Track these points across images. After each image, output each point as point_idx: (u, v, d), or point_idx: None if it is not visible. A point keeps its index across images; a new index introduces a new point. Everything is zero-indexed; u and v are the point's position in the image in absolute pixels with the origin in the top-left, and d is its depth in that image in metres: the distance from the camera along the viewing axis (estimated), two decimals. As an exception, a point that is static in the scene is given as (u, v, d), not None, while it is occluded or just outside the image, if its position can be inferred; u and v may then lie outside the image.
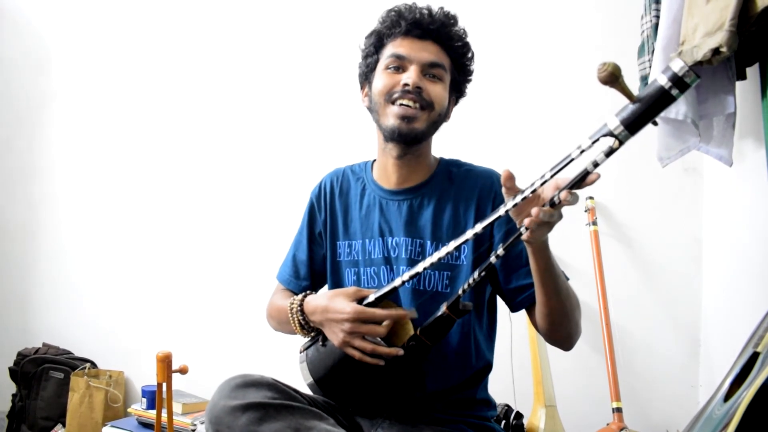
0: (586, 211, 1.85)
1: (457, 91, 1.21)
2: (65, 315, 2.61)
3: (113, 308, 2.53)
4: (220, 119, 2.44)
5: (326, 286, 1.29)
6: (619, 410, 1.61)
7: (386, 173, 1.20)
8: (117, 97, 2.61)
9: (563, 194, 0.81)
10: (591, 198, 1.88)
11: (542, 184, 0.84)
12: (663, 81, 0.73)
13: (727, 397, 0.80)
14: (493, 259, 0.92)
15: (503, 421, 1.56)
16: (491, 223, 0.92)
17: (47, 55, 2.75)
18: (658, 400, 1.82)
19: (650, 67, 1.39)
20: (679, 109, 1.27)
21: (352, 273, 1.20)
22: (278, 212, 2.25)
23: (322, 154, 2.22)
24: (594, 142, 0.80)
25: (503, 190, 0.89)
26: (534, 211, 0.82)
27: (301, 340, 1.18)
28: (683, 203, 1.84)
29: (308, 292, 1.15)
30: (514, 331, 1.78)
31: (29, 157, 2.75)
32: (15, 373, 2.43)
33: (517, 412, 1.59)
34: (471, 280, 0.96)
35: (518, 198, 0.86)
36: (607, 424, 1.60)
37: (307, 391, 1.12)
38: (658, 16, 1.38)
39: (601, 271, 1.75)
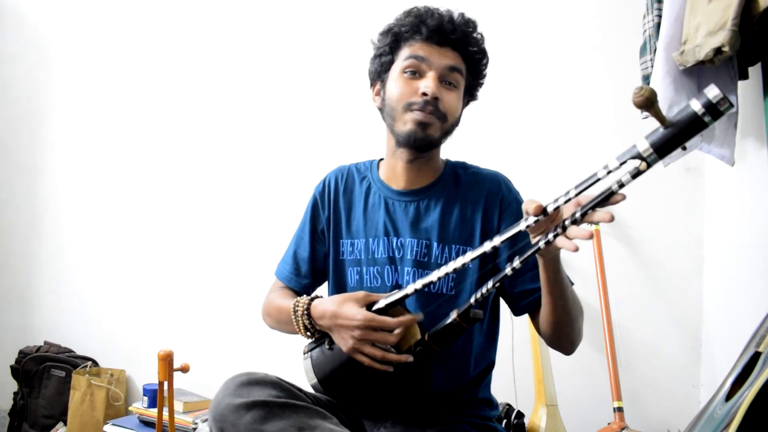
0: (587, 210, 1.85)
1: (469, 95, 1.21)
2: (67, 313, 2.62)
3: (115, 307, 2.54)
4: (220, 118, 2.44)
5: (326, 284, 1.28)
6: (620, 410, 1.61)
7: (394, 174, 1.19)
8: (118, 96, 2.61)
9: (599, 215, 0.79)
10: (592, 197, 1.87)
11: (566, 201, 0.83)
12: (697, 107, 0.72)
13: (729, 396, 0.80)
14: (508, 270, 0.90)
15: (504, 421, 1.56)
16: (503, 232, 0.90)
17: (47, 54, 2.76)
18: (659, 399, 1.82)
19: (652, 66, 1.39)
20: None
21: (355, 272, 1.19)
22: (279, 210, 2.25)
23: (322, 152, 2.22)
24: (622, 164, 0.78)
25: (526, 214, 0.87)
26: (569, 245, 0.81)
27: (302, 339, 1.18)
28: (685, 203, 1.84)
29: (315, 295, 1.13)
30: (515, 330, 1.78)
31: (30, 155, 2.76)
32: (16, 371, 2.44)
33: (519, 412, 1.59)
34: (485, 290, 0.94)
35: (540, 215, 0.85)
36: (609, 424, 1.60)
37: (311, 390, 1.12)
38: (660, 16, 1.38)
39: (603, 270, 1.75)
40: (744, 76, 1.32)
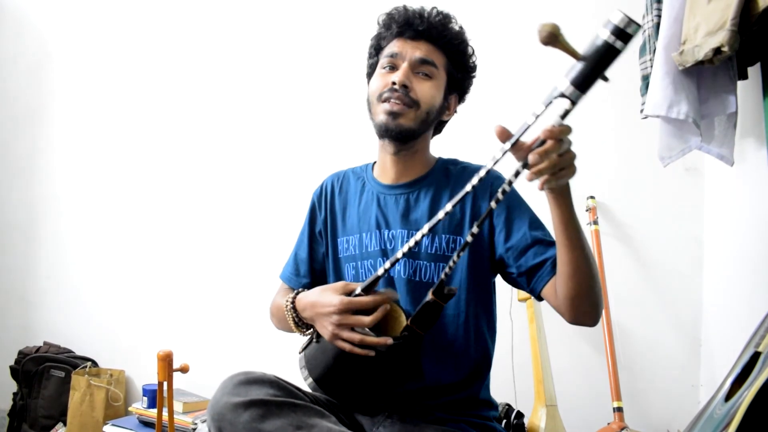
0: (587, 210, 1.85)
1: (459, 88, 1.23)
2: (66, 314, 2.62)
3: (114, 307, 2.54)
4: (220, 120, 2.44)
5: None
6: (619, 410, 1.61)
7: (384, 169, 1.23)
8: (117, 97, 2.61)
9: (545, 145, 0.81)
10: (592, 197, 1.88)
11: (503, 154, 0.85)
12: (605, 35, 0.74)
13: (728, 396, 0.80)
14: (469, 238, 0.94)
15: (504, 421, 1.56)
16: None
17: (47, 55, 2.76)
18: (659, 399, 1.82)
19: (651, 66, 1.39)
20: (680, 108, 1.27)
21: (351, 268, 1.22)
22: (278, 212, 2.26)
23: (324, 155, 2.22)
24: (547, 106, 0.80)
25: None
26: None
27: (300, 339, 1.18)
28: (684, 203, 1.84)
29: (301, 289, 1.17)
30: (514, 330, 1.78)
31: (30, 155, 2.76)
32: (16, 371, 2.44)
33: (518, 412, 1.59)
34: (451, 263, 0.96)
35: (490, 165, 0.88)
36: (608, 424, 1.60)
37: (309, 390, 1.13)
38: (659, 16, 1.38)
39: (602, 270, 1.75)
40: (743, 76, 1.32)
